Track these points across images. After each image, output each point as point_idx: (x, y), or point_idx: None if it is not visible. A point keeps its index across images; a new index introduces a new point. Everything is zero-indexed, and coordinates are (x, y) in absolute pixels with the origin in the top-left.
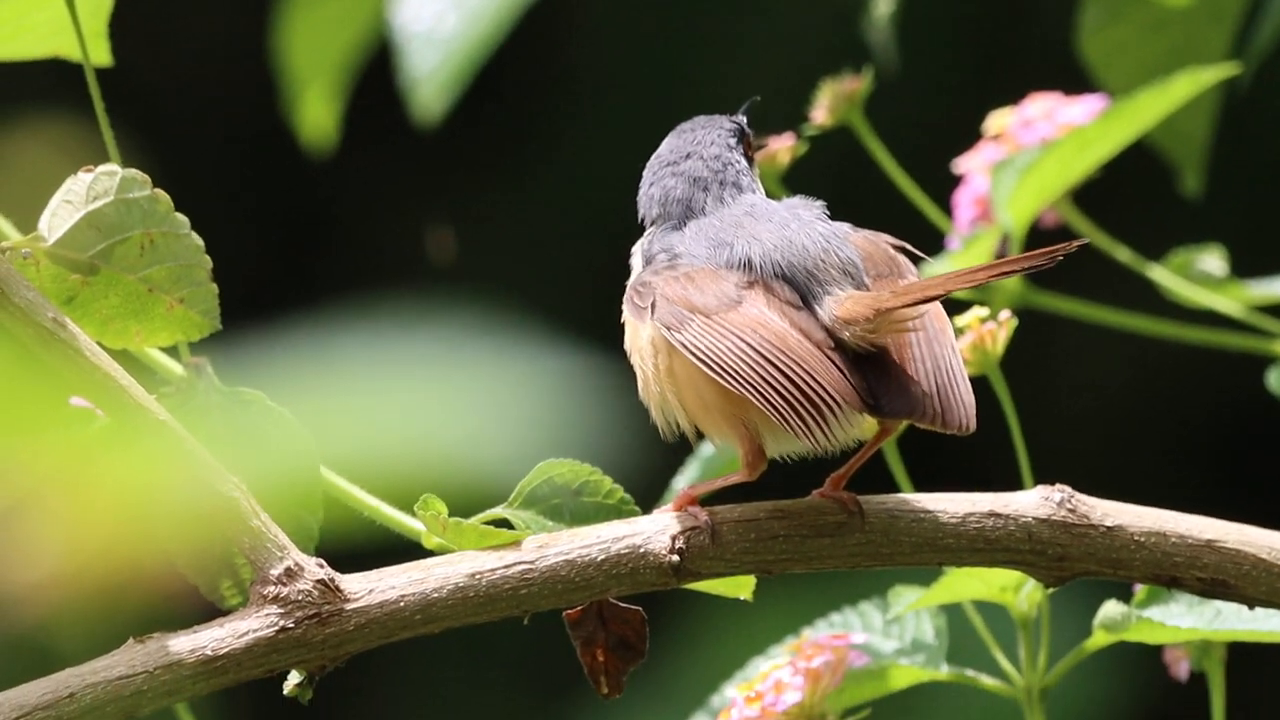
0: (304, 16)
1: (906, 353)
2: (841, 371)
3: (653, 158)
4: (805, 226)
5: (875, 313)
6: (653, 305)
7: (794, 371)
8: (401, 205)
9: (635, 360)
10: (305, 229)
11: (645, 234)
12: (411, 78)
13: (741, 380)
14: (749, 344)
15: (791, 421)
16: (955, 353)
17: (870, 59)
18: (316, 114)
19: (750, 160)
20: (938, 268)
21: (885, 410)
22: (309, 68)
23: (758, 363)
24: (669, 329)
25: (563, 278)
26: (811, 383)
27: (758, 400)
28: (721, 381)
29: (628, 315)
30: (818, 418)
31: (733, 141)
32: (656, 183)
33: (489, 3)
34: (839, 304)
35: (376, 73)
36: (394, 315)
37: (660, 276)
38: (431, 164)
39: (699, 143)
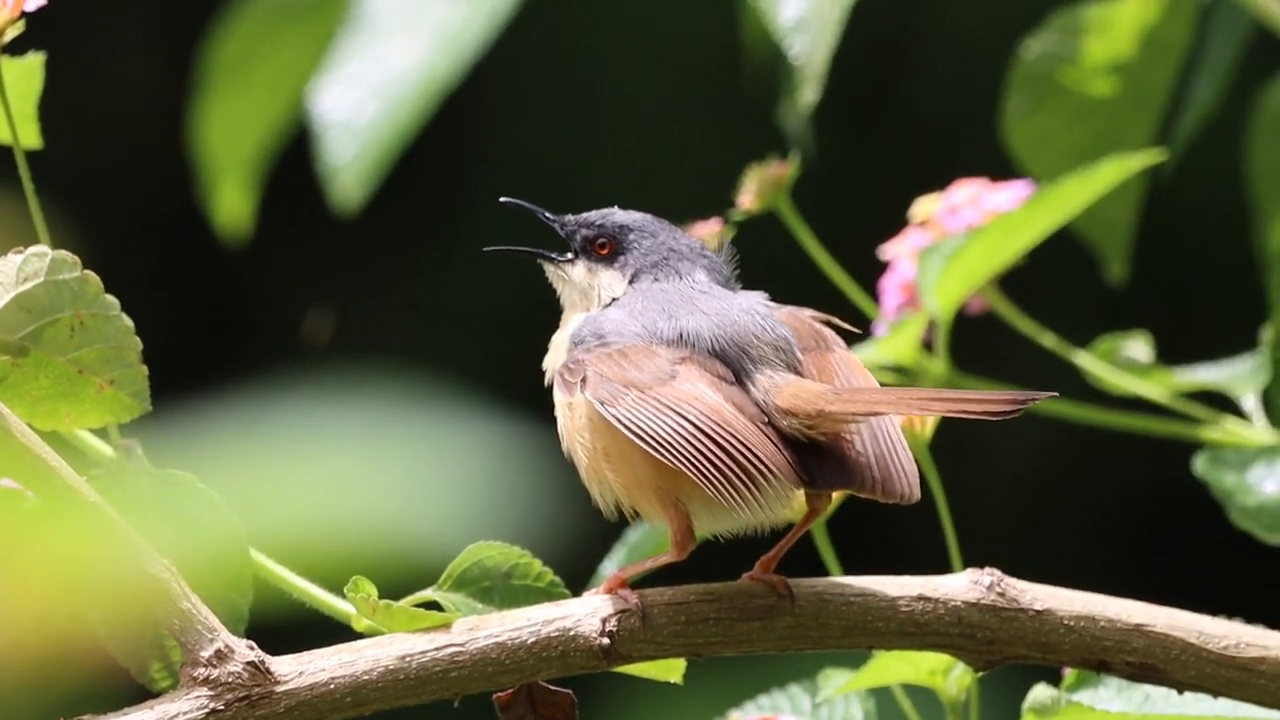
0: (220, 107)
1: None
2: (775, 445)
3: (644, 217)
4: (743, 304)
5: (818, 413)
6: (583, 380)
7: (729, 443)
8: (318, 284)
9: (572, 443)
10: (223, 308)
11: (574, 318)
12: (331, 166)
13: (676, 453)
14: (684, 416)
15: (725, 493)
16: (894, 423)
17: (787, 148)
18: (232, 203)
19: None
20: (863, 354)
21: (821, 482)
22: (225, 157)
23: (693, 435)
24: (602, 403)
25: (480, 353)
26: (747, 453)
27: (692, 472)
28: (656, 454)
29: (559, 395)
30: (752, 488)
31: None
32: (660, 234)
33: (408, 92)
34: (777, 391)
35: (291, 153)
36: (317, 392)
37: (592, 354)
38: (345, 242)
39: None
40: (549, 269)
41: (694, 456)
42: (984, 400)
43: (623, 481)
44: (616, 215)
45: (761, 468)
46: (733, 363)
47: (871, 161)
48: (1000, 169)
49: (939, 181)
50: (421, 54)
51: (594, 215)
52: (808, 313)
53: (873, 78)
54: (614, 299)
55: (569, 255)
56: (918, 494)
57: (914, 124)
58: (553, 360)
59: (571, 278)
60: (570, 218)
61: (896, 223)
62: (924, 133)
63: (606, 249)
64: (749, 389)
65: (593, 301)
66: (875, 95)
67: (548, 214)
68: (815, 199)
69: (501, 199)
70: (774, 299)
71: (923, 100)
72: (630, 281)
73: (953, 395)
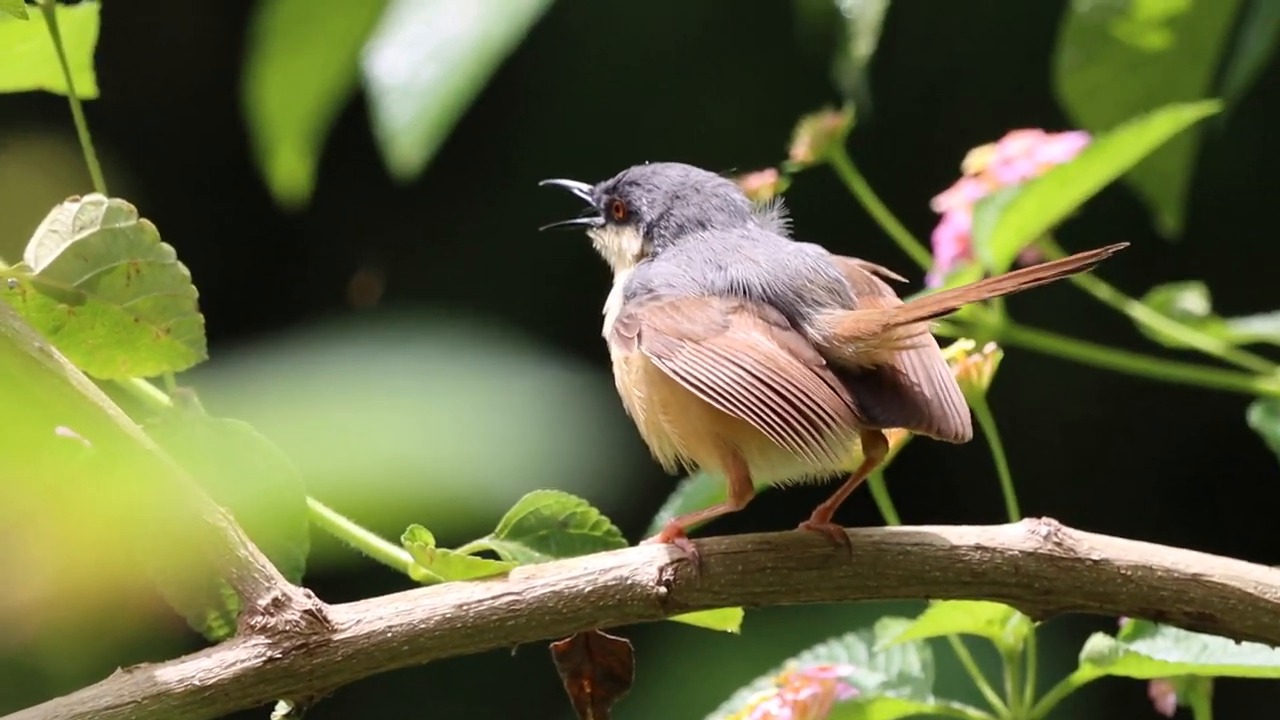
0: (278, 69)
1: (900, 364)
2: (833, 388)
3: (664, 171)
4: (794, 249)
5: (882, 328)
6: (639, 335)
7: (787, 390)
8: (369, 235)
9: (630, 397)
10: (276, 259)
11: (619, 277)
12: (390, 129)
13: (734, 402)
14: (741, 366)
15: (787, 438)
16: (946, 367)
17: (840, 101)
18: (289, 165)
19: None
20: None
21: (881, 420)
22: (282, 120)
23: (750, 384)
24: (659, 357)
25: (532, 306)
26: (805, 399)
27: (753, 419)
28: (716, 405)
29: (615, 350)
30: (813, 433)
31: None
32: (682, 195)
33: (465, 54)
34: (837, 322)
35: (349, 111)
36: (374, 340)
37: (645, 308)
38: (396, 196)
39: (708, 176)
40: (591, 236)
41: (753, 404)
42: (1045, 269)
43: (680, 432)
44: (628, 174)
45: (819, 411)
46: (787, 307)
47: (931, 114)
48: (1050, 121)
49: (990, 134)
50: (477, 17)
51: (613, 179)
52: (857, 262)
53: (918, 28)
54: (640, 255)
55: (600, 221)
56: (970, 433)
57: (960, 77)
58: (609, 320)
59: (605, 243)
60: (599, 186)
61: (948, 175)
62: (973, 85)
63: (620, 210)
64: (805, 331)
65: (626, 262)
66: (936, 50)
67: (580, 188)
68: (867, 152)
69: (541, 182)
70: (829, 251)
71: (970, 53)
72: (647, 236)
73: (1021, 272)
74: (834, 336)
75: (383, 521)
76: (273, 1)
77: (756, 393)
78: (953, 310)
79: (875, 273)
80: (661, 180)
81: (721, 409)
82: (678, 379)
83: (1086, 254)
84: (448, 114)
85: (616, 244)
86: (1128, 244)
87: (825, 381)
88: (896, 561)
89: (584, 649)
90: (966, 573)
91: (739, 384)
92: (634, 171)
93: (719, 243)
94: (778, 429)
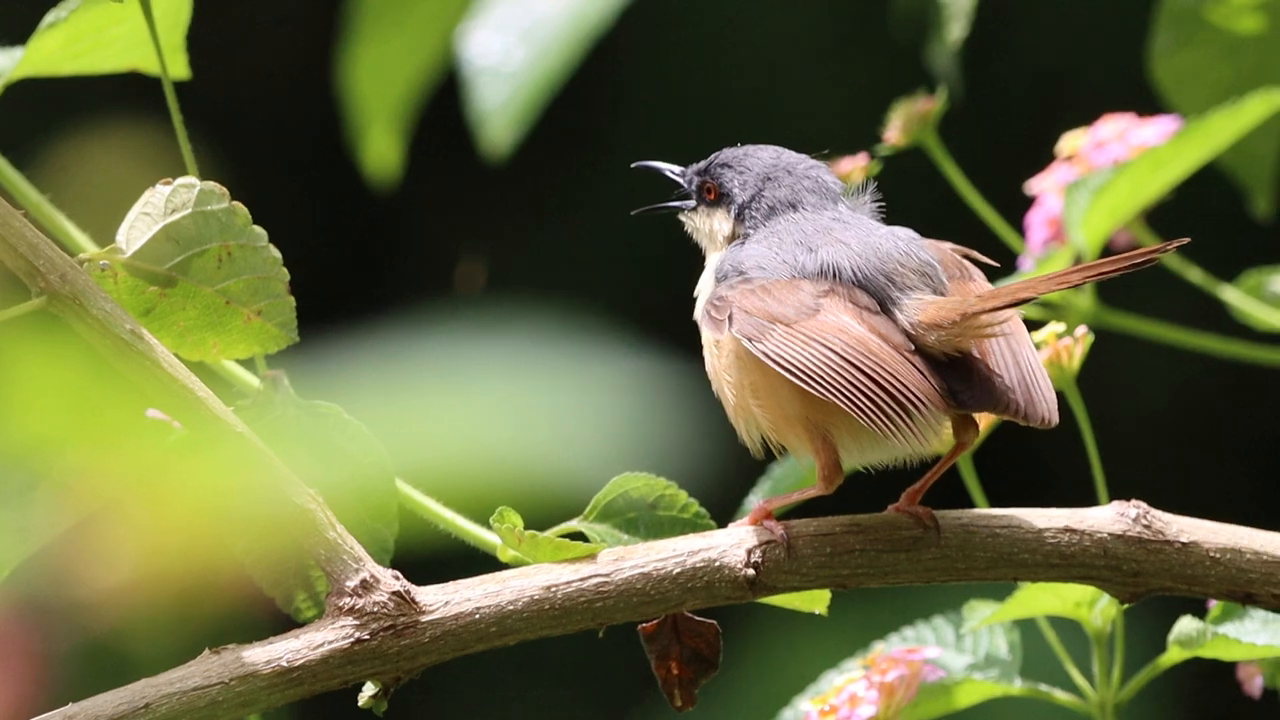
0: (370, 52)
1: (987, 349)
2: (922, 373)
3: (756, 153)
4: (885, 232)
5: (961, 317)
6: (730, 318)
7: (877, 373)
8: (463, 219)
9: (720, 380)
10: (366, 241)
11: (711, 260)
12: (480, 111)
13: (826, 385)
14: (831, 350)
15: (877, 422)
16: (1034, 352)
17: (933, 85)
18: (381, 149)
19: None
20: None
21: (969, 404)
22: (374, 103)
23: (841, 367)
24: (750, 340)
25: (625, 291)
26: (895, 383)
27: (844, 403)
28: (806, 388)
29: (706, 334)
30: (903, 417)
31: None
32: (773, 177)
33: (557, 36)
34: (921, 309)
35: (439, 94)
36: (464, 325)
37: (736, 291)
38: (491, 178)
39: (799, 158)
40: (682, 218)
41: (843, 387)
42: (1120, 261)
43: (770, 417)
44: (720, 156)
45: (909, 395)
46: (877, 291)
47: (1014, 97)
48: (1143, 105)
49: (1083, 117)
50: None
51: (705, 161)
52: (948, 246)
53: (1012, 11)
54: (732, 237)
55: (692, 203)
56: (1056, 420)
57: (1054, 60)
58: (700, 302)
59: (696, 225)
60: (691, 168)
61: (1041, 159)
62: (1067, 69)
63: (711, 192)
64: (895, 316)
65: (717, 244)
66: (1030, 34)
67: (672, 170)
68: (959, 135)
69: (633, 164)
70: (920, 235)
71: (1064, 36)
72: (738, 218)
73: (1088, 265)
74: (917, 324)
75: (471, 504)
76: None
77: (847, 376)
78: (1026, 302)
79: (966, 257)
80: (753, 162)
81: (812, 392)
82: (768, 361)
83: (1148, 249)
84: (539, 96)
85: (708, 226)
86: (1189, 239)
87: (914, 366)
88: (985, 544)
89: (672, 631)
90: (1055, 555)
91: (829, 367)
92: (726, 153)
93: (810, 225)
94: (868, 412)
